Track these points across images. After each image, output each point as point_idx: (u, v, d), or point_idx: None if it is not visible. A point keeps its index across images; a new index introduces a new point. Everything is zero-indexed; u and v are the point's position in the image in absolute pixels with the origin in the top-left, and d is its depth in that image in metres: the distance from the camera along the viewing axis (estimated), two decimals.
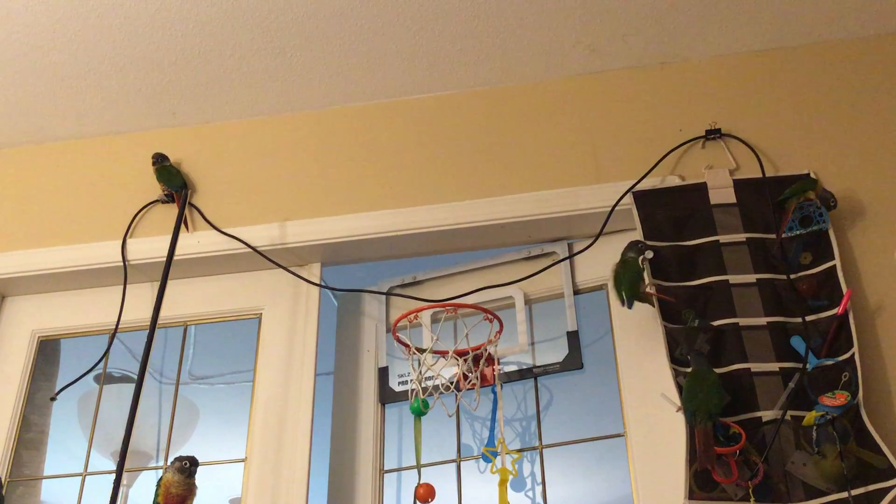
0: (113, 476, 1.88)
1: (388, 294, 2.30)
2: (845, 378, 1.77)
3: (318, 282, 2.23)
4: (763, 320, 1.89)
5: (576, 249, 2.21)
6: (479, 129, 2.32)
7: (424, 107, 2.39)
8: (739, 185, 2.07)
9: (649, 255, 1.95)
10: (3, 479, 2.03)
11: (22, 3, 2.12)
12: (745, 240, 1.99)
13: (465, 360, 2.02)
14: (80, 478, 2.16)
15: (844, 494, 1.68)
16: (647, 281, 1.93)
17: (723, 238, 2.00)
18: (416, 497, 1.92)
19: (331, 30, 2.22)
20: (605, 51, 2.29)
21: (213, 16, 2.17)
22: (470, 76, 2.35)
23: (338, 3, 2.15)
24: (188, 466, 1.80)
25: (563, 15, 2.20)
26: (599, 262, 2.15)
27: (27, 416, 2.24)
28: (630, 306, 1.91)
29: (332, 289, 2.31)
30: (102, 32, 2.20)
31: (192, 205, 2.33)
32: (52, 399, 2.24)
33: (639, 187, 2.10)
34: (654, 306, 1.92)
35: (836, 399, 1.72)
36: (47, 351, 2.35)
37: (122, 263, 2.27)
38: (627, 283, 1.91)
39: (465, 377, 2.01)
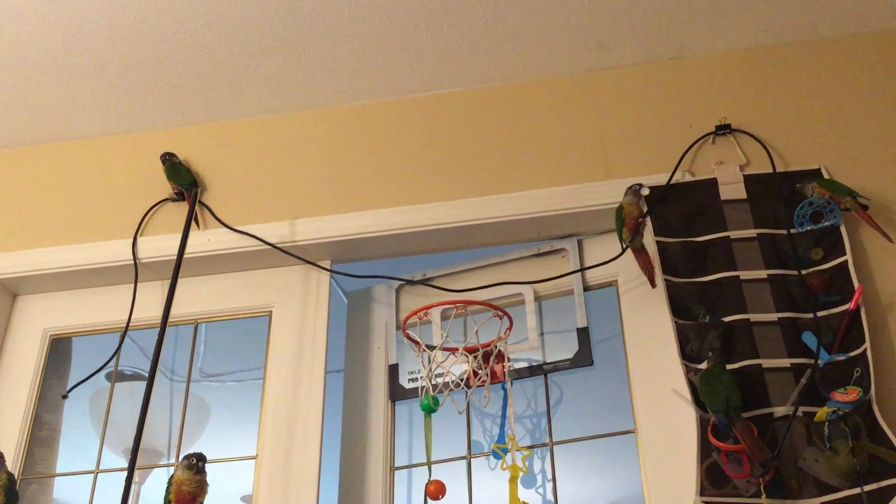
0: (125, 473, 1.89)
1: (408, 282, 2.30)
2: (857, 374, 1.76)
3: (328, 278, 2.24)
4: (774, 316, 1.88)
5: (585, 246, 2.21)
6: (488, 126, 2.32)
7: (433, 104, 2.38)
8: (750, 181, 2.06)
9: (645, 191, 2.01)
10: (16, 477, 2.04)
11: (32, 4, 2.13)
12: (755, 235, 1.98)
13: (475, 357, 2.02)
14: (93, 475, 2.17)
15: (857, 490, 1.67)
16: (638, 218, 1.99)
17: (733, 234, 1.99)
18: (426, 494, 1.92)
19: (339, 28, 2.22)
20: (613, 47, 2.29)
21: (222, 15, 2.18)
22: (479, 73, 2.35)
23: (346, 0, 2.15)
24: (196, 462, 1.81)
25: (571, 11, 2.19)
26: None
27: (39, 414, 2.25)
28: (623, 250, 2.02)
29: (346, 274, 2.25)
30: (112, 32, 2.21)
31: (202, 203, 2.34)
32: (64, 397, 2.25)
33: (648, 183, 2.09)
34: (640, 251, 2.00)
35: (847, 395, 1.72)
36: (59, 349, 2.36)
37: (132, 262, 2.28)
38: (618, 228, 2.00)
39: (475, 374, 2.01)
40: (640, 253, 2.00)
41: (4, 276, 2.32)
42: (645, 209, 2.03)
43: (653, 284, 1.99)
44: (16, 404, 2.22)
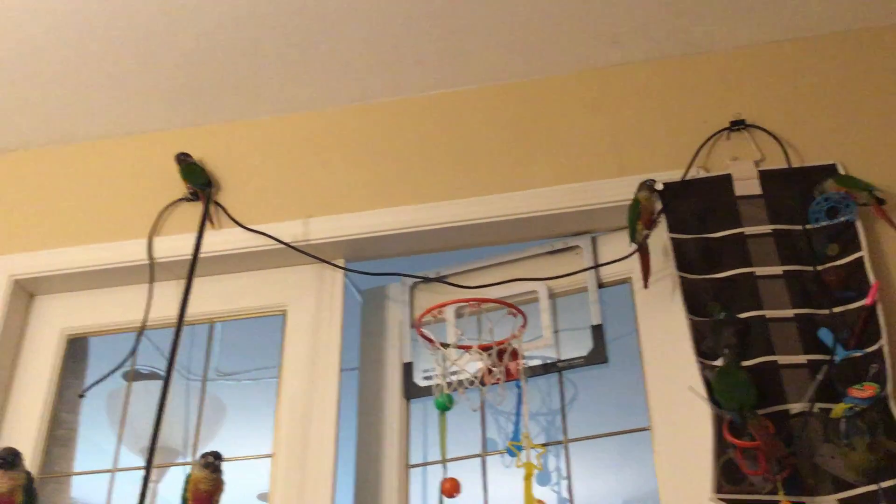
0: (142, 472, 1.90)
1: (422, 280, 2.30)
2: (873, 370, 1.75)
3: (342, 277, 2.24)
4: (790, 312, 1.87)
5: (599, 243, 2.20)
6: (501, 123, 2.32)
7: (446, 102, 2.38)
8: (765, 177, 2.05)
9: (659, 186, 1.99)
10: (34, 476, 2.05)
11: (46, 7, 2.14)
12: (770, 231, 1.98)
13: (490, 355, 2.02)
14: (110, 474, 2.19)
15: (874, 487, 1.66)
16: (654, 213, 1.98)
17: (748, 230, 1.98)
18: (441, 491, 1.93)
19: (352, 27, 2.22)
20: (627, 43, 2.28)
21: (235, 15, 2.18)
22: (491, 71, 2.35)
23: (359, 0, 2.16)
24: (212, 461, 1.82)
25: (584, 7, 2.19)
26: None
27: (57, 413, 2.27)
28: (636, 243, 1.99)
29: (360, 272, 2.25)
30: (126, 33, 2.22)
31: (216, 203, 2.35)
32: (81, 396, 2.26)
33: (662, 180, 2.09)
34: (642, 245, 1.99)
35: (864, 391, 1.71)
36: (76, 349, 2.38)
37: (148, 262, 2.29)
38: (631, 222, 1.99)
39: (490, 372, 2.01)
40: (644, 252, 1.99)
41: (21, 277, 2.34)
42: (659, 205, 2.02)
43: (645, 285, 1.99)
44: (34, 404, 2.24)
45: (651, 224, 1.98)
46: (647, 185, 2.01)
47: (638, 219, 1.99)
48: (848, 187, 1.93)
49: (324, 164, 2.36)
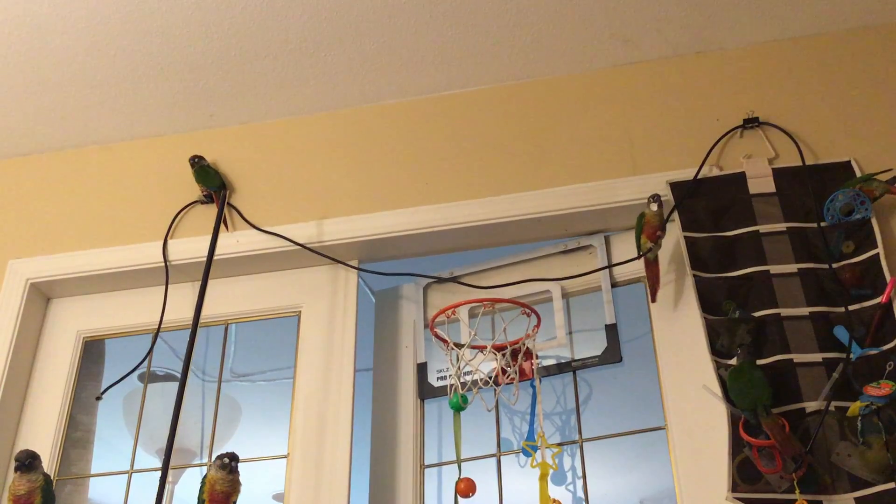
0: (159, 473, 1.91)
1: (436, 280, 2.30)
2: (890, 367, 1.74)
3: (356, 277, 2.25)
4: (805, 310, 1.87)
5: (613, 242, 2.20)
6: (513, 123, 2.32)
7: (459, 102, 2.39)
8: (779, 174, 2.04)
9: (654, 207, 1.96)
10: (52, 478, 2.07)
11: (62, 12, 2.16)
12: (785, 229, 1.97)
13: (504, 355, 2.03)
14: (127, 475, 2.20)
15: (891, 485, 1.65)
16: (658, 228, 1.96)
17: (763, 228, 1.98)
18: (456, 491, 1.93)
19: (363, 28, 2.23)
20: (639, 41, 2.28)
21: (248, 18, 2.19)
22: (504, 70, 2.35)
23: (370, 1, 2.16)
24: (229, 462, 1.83)
25: (596, 6, 2.19)
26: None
27: (74, 415, 2.28)
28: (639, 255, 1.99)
29: (374, 272, 2.25)
30: (140, 37, 2.24)
31: (230, 205, 2.36)
32: (98, 398, 2.28)
33: (676, 178, 2.09)
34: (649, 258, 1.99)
35: (881, 389, 1.70)
36: (92, 351, 2.39)
37: (163, 264, 2.30)
38: (636, 236, 1.99)
39: (504, 372, 2.01)
40: (652, 264, 1.99)
41: (38, 280, 2.35)
42: (665, 219, 2.01)
43: (653, 299, 1.99)
44: (51, 406, 2.26)
45: (655, 239, 1.97)
46: (653, 200, 1.99)
47: (642, 231, 1.97)
48: (858, 185, 1.93)
49: (337, 165, 2.37)
